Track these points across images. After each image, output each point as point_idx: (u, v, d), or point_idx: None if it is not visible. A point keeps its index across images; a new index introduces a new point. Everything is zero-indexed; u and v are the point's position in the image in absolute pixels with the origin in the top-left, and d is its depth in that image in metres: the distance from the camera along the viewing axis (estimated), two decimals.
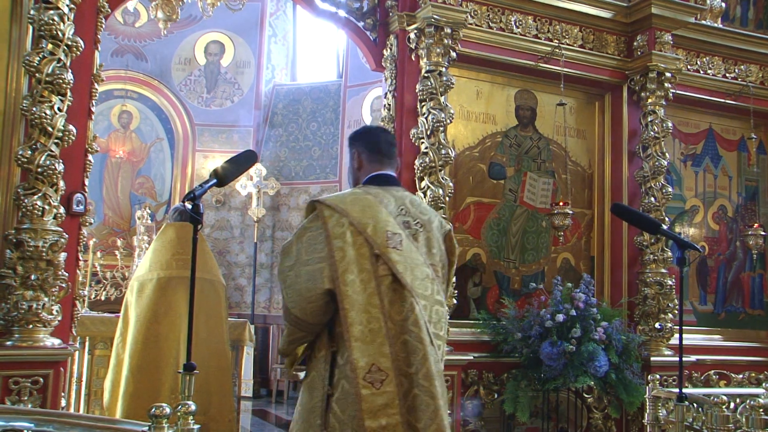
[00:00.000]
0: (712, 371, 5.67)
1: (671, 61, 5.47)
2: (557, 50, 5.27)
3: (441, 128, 4.68)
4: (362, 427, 2.32)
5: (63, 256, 3.53)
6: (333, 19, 5.14)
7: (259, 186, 9.80)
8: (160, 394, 3.78)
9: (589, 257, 5.65)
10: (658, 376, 4.07)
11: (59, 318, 3.53)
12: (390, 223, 2.50)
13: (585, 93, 5.72)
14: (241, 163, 2.60)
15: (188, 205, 2.34)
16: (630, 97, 5.63)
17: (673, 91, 5.56)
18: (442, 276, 2.64)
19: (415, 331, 2.41)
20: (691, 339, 5.54)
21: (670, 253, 5.36)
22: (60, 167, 3.49)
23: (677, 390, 3.14)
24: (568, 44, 5.40)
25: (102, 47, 4.14)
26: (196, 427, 1.90)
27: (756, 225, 5.74)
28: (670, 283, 5.30)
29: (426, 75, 4.74)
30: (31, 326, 3.40)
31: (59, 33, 3.49)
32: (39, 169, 3.41)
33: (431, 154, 4.65)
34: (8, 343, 3.38)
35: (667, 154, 5.47)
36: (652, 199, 5.36)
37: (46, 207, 3.44)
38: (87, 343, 5.01)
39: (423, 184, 4.68)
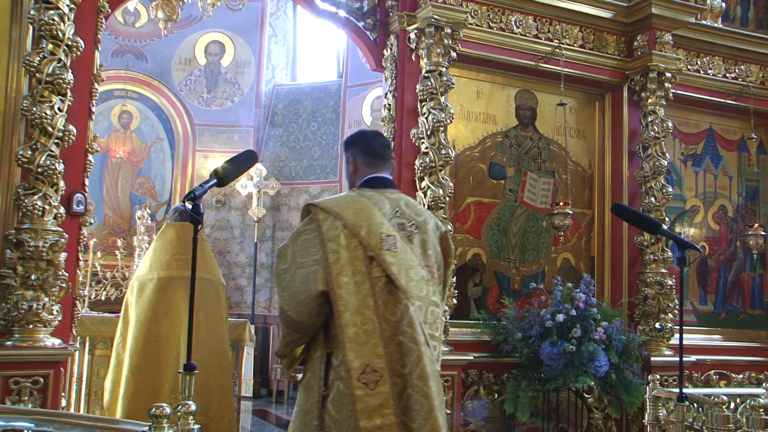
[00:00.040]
0: (713, 371, 5.67)
1: (671, 61, 5.47)
2: (557, 50, 5.27)
3: (441, 128, 4.68)
4: (357, 428, 2.34)
5: (63, 256, 3.53)
6: (333, 19, 5.14)
7: (259, 186, 9.80)
8: (161, 394, 3.78)
9: (590, 257, 5.65)
10: (658, 376, 4.07)
11: (59, 318, 3.53)
12: (384, 226, 2.52)
13: (585, 93, 5.72)
14: (242, 163, 2.61)
15: (188, 205, 2.35)
16: (630, 97, 5.63)
17: (674, 91, 5.55)
18: (437, 277, 2.65)
19: (410, 332, 2.43)
20: (691, 339, 5.54)
21: (670, 253, 5.36)
22: (60, 167, 3.49)
23: (677, 390, 3.15)
24: (568, 44, 5.40)
25: (102, 47, 4.14)
26: (197, 427, 1.90)
27: (756, 225, 5.74)
28: (670, 283, 5.30)
29: (426, 75, 4.74)
30: (31, 326, 3.40)
31: (59, 33, 3.49)
32: (39, 169, 3.41)
33: (431, 154, 4.64)
34: (8, 343, 3.38)
35: (667, 154, 5.46)
36: (653, 199, 5.36)
37: (47, 207, 3.44)
38: (87, 343, 5.01)
39: (423, 184, 4.68)
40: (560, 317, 4.62)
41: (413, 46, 4.85)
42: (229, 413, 4.14)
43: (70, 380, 4.59)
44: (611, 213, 5.35)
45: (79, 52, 3.63)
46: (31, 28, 3.61)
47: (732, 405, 3.41)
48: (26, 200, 3.41)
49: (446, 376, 4.57)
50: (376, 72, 5.27)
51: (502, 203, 5.36)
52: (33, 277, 3.40)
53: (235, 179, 2.65)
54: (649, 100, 5.46)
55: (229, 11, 8.59)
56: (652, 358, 5.16)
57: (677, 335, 3.09)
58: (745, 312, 6.17)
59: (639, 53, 5.53)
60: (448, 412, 4.53)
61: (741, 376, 5.79)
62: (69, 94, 3.55)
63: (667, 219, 5.47)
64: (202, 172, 9.99)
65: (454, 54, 4.80)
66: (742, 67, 6.08)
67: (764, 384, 4.69)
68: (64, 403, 3.88)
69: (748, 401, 3.38)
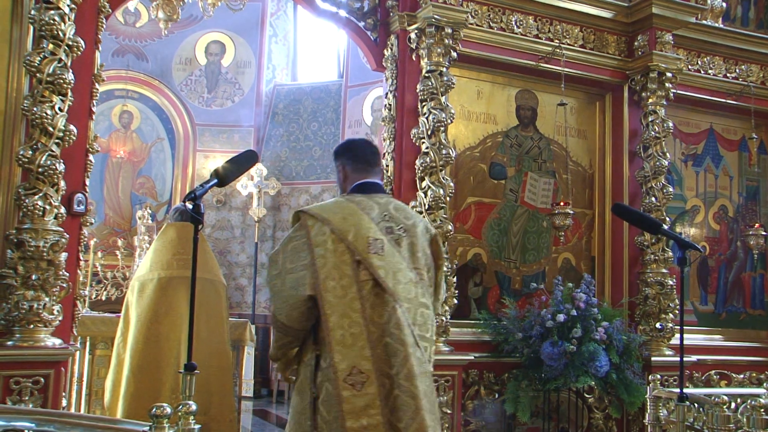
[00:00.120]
0: (713, 371, 5.67)
1: (672, 61, 5.47)
2: (558, 50, 5.27)
3: (442, 128, 4.67)
4: (344, 428, 2.39)
5: (64, 256, 3.53)
6: (334, 19, 5.14)
7: (259, 186, 9.80)
8: (161, 394, 3.78)
9: (590, 257, 5.65)
10: (659, 376, 4.07)
11: (60, 318, 3.53)
12: (372, 230, 2.57)
13: (586, 93, 5.72)
14: (242, 163, 2.62)
15: (189, 205, 2.36)
16: (631, 97, 5.63)
17: (674, 91, 5.55)
18: (428, 279, 2.69)
19: (397, 334, 2.47)
20: (691, 339, 5.54)
21: (670, 253, 5.36)
22: (61, 167, 3.49)
23: (678, 390, 3.14)
24: (568, 44, 5.40)
25: (103, 47, 4.15)
26: (197, 427, 1.91)
27: (757, 225, 5.74)
28: (670, 283, 5.30)
29: (427, 75, 4.74)
30: (32, 326, 3.40)
31: (60, 33, 3.49)
32: (40, 169, 3.42)
33: (432, 154, 4.64)
34: (9, 343, 3.39)
35: (667, 154, 5.46)
36: (653, 199, 5.36)
37: (47, 207, 3.44)
38: (88, 343, 5.01)
39: (424, 184, 4.68)
40: (561, 317, 4.61)
41: (414, 46, 4.85)
42: (230, 413, 4.14)
43: (71, 380, 4.59)
44: (612, 213, 5.35)
45: (79, 52, 3.63)
46: (31, 28, 3.61)
47: (733, 405, 3.41)
48: (27, 200, 3.41)
49: (447, 376, 4.57)
50: (376, 72, 5.27)
51: (502, 203, 5.36)
52: (34, 277, 3.40)
53: (235, 179, 2.66)
54: (650, 100, 5.46)
55: (229, 11, 8.59)
56: (653, 358, 5.15)
57: (678, 335, 3.09)
58: (745, 312, 6.17)
59: (639, 53, 5.52)
60: (449, 411, 4.53)
61: (742, 376, 5.79)
62: (69, 94, 3.56)
63: (667, 219, 5.46)
64: (203, 172, 9.99)
65: (454, 54, 4.80)
66: (743, 66, 6.08)
67: (765, 384, 4.69)
68: (64, 403, 3.89)
69: (749, 401, 3.38)
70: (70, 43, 3.55)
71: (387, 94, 5.03)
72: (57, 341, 3.51)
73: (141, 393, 3.82)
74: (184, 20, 9.25)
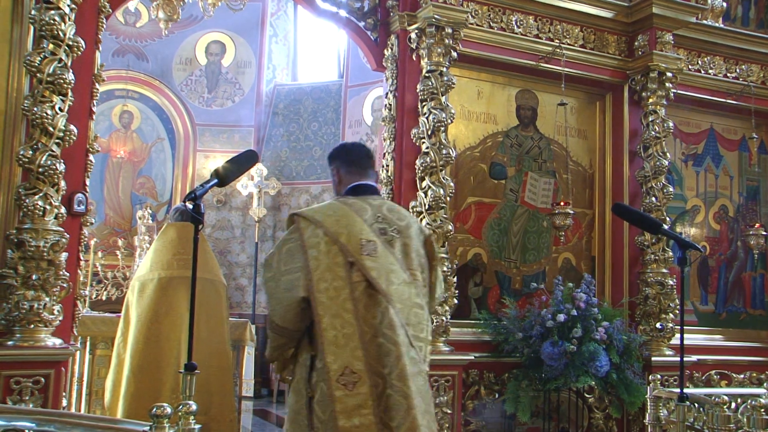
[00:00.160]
0: (714, 371, 5.67)
1: (672, 61, 5.47)
2: (558, 50, 5.27)
3: (442, 128, 4.67)
4: (336, 427, 2.42)
5: (64, 256, 3.53)
6: (334, 19, 5.14)
7: (260, 186, 9.80)
8: (161, 394, 3.78)
9: (590, 257, 5.65)
10: (659, 376, 4.07)
11: (60, 318, 3.53)
12: (365, 231, 2.60)
13: (586, 93, 5.72)
14: (242, 163, 2.63)
15: (189, 205, 2.36)
16: (631, 96, 5.63)
17: (674, 90, 5.55)
18: (422, 280, 2.71)
19: (389, 334, 2.50)
20: (692, 339, 5.54)
21: (671, 253, 5.35)
22: (61, 167, 3.50)
23: (678, 390, 3.14)
24: (569, 44, 5.40)
25: (103, 47, 4.15)
26: (197, 427, 1.91)
27: (757, 225, 5.74)
28: (671, 283, 5.30)
29: (427, 75, 4.74)
30: (32, 326, 3.41)
31: (60, 33, 3.49)
32: (40, 169, 3.42)
33: (432, 154, 4.64)
34: (9, 342, 3.39)
35: (668, 154, 5.46)
36: (653, 198, 5.36)
37: (47, 207, 3.44)
38: (88, 343, 5.01)
39: (424, 183, 4.68)
40: (561, 317, 4.61)
41: (414, 45, 4.85)
42: (230, 413, 4.14)
43: (71, 380, 4.59)
44: (612, 213, 5.35)
45: (79, 52, 3.64)
46: (32, 28, 3.61)
47: (733, 405, 3.41)
48: (27, 200, 3.42)
49: (447, 376, 4.57)
50: (376, 72, 5.27)
51: (502, 203, 5.36)
52: (34, 277, 3.41)
53: (235, 179, 2.67)
54: (650, 100, 5.46)
55: (229, 11, 8.58)
56: (653, 358, 5.15)
57: (678, 335, 3.09)
58: (746, 312, 6.17)
59: (640, 53, 5.52)
60: (449, 411, 4.53)
61: (742, 376, 5.79)
62: (70, 94, 3.56)
63: (667, 219, 5.46)
64: (203, 172, 9.99)
65: (454, 54, 4.80)
66: (743, 66, 6.08)
67: (765, 384, 4.69)
68: (65, 402, 3.89)
69: (749, 401, 3.38)
70: (71, 43, 3.55)
71: (387, 94, 5.03)
72: (57, 341, 3.51)
73: (141, 393, 3.82)
74: (184, 20, 9.25)
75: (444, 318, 4.57)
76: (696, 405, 3.47)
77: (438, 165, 4.64)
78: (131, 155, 9.95)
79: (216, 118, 10.31)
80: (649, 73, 5.42)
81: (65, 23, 3.52)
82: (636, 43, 5.56)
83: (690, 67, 5.87)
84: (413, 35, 4.83)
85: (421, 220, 4.62)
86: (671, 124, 5.53)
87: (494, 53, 5.17)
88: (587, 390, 5.03)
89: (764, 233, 5.70)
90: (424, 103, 4.74)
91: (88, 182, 3.98)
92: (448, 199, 4.69)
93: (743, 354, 5.88)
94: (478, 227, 5.27)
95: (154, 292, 3.97)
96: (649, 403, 3.96)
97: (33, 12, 3.54)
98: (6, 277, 3.41)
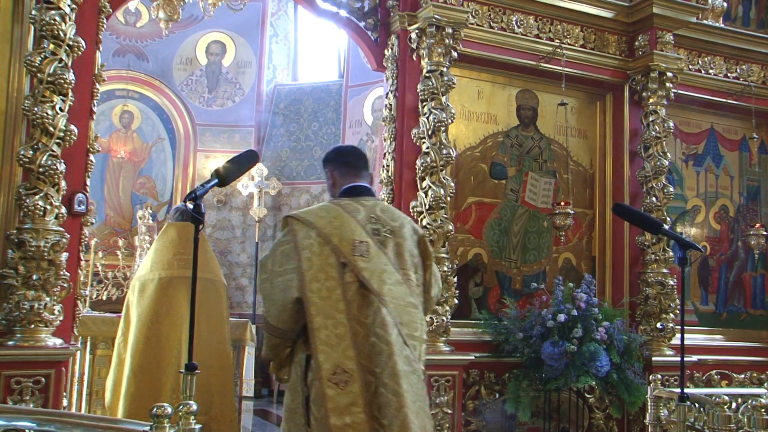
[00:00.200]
0: (714, 371, 5.67)
1: (673, 61, 5.47)
2: (558, 50, 5.27)
3: (442, 128, 4.68)
4: (328, 425, 2.45)
5: (64, 256, 3.53)
6: (334, 19, 5.14)
7: (260, 186, 9.79)
8: (162, 394, 3.78)
9: (591, 257, 5.65)
10: (659, 376, 4.07)
11: (61, 318, 3.53)
12: (357, 232, 2.64)
13: (586, 93, 5.72)
14: (243, 162, 2.64)
15: (190, 205, 2.37)
16: (631, 96, 5.63)
17: (675, 90, 5.55)
18: (415, 279, 2.74)
19: (381, 333, 2.54)
20: (692, 339, 5.54)
21: (671, 253, 5.35)
22: (61, 167, 3.50)
23: (679, 390, 3.15)
24: (569, 44, 5.39)
25: (103, 47, 4.15)
26: (198, 426, 1.91)
27: (758, 225, 5.74)
28: (671, 283, 5.29)
29: (427, 75, 4.74)
30: (32, 326, 3.41)
31: (61, 33, 3.49)
32: (40, 169, 3.42)
33: (432, 154, 4.64)
34: (10, 342, 3.39)
35: (668, 154, 5.46)
36: (654, 198, 5.36)
37: (48, 207, 3.44)
38: (88, 343, 5.01)
39: (424, 183, 4.68)
40: (561, 317, 4.61)
41: (414, 45, 4.85)
42: (231, 413, 4.14)
43: (72, 380, 4.59)
44: (612, 213, 5.34)
45: (80, 52, 3.64)
46: (32, 28, 3.61)
47: (733, 405, 3.42)
48: (28, 200, 3.42)
49: (447, 376, 4.57)
50: (377, 72, 5.27)
51: (503, 203, 5.36)
52: (34, 277, 3.41)
53: (236, 179, 2.69)
54: (651, 100, 5.46)
55: (230, 11, 8.58)
56: (654, 358, 5.15)
57: (678, 335, 3.09)
58: (746, 312, 6.16)
59: (640, 53, 5.52)
60: (449, 411, 4.53)
61: (742, 376, 5.79)
62: (70, 94, 3.56)
63: (668, 219, 5.46)
64: (204, 172, 9.99)
65: (455, 54, 4.80)
66: (744, 66, 6.08)
67: (766, 384, 4.69)
68: (65, 402, 3.89)
69: (750, 401, 3.38)
70: (71, 43, 3.55)
71: (387, 94, 5.03)
72: (58, 341, 3.51)
73: (142, 393, 3.82)
74: (184, 20, 9.24)
75: (444, 318, 4.57)
76: (696, 405, 3.47)
77: (438, 165, 4.64)
78: (132, 155, 9.95)
79: (216, 118, 10.31)
80: (649, 73, 5.42)
81: (66, 23, 3.52)
82: (636, 43, 5.56)
83: (690, 67, 5.87)
84: (413, 35, 4.83)
85: (422, 220, 4.62)
86: (672, 124, 5.53)
87: (495, 53, 5.17)
88: (588, 390, 5.03)
89: (765, 233, 5.70)
90: (424, 103, 4.74)
91: (88, 182, 3.98)
92: (448, 199, 4.69)
93: (744, 354, 5.88)
94: (478, 227, 5.27)
95: (155, 292, 3.97)
96: (649, 403, 3.96)
97: (33, 12, 3.54)
98: (6, 277, 3.41)
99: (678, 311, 5.21)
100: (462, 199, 5.21)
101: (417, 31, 4.79)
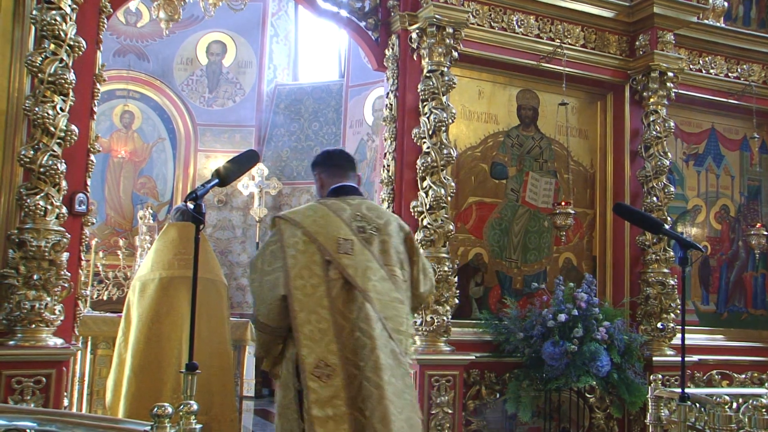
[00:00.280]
0: (715, 371, 5.66)
1: (673, 61, 5.47)
2: (559, 50, 5.27)
3: (443, 128, 4.67)
4: (310, 416, 2.53)
5: (65, 255, 3.54)
6: (335, 19, 5.14)
7: (261, 186, 9.79)
8: (162, 394, 3.78)
9: (591, 257, 5.65)
10: (660, 376, 4.08)
11: (62, 318, 3.54)
12: (342, 230, 2.71)
13: (587, 93, 5.72)
14: (243, 162, 2.66)
15: (190, 205, 2.38)
16: (632, 96, 5.62)
17: (676, 90, 5.55)
18: (401, 275, 2.81)
19: (365, 328, 2.61)
20: (693, 339, 5.53)
21: (672, 253, 5.35)
22: (62, 167, 3.50)
23: (680, 390, 3.14)
24: (570, 44, 5.39)
25: (104, 47, 4.15)
26: (198, 426, 1.91)
27: (758, 225, 5.74)
28: (672, 282, 5.29)
29: (428, 75, 4.74)
30: (33, 326, 3.41)
31: (61, 33, 3.49)
32: (41, 169, 3.42)
33: (433, 154, 4.64)
34: (11, 342, 3.39)
35: (669, 154, 5.46)
36: (655, 198, 5.36)
37: (49, 207, 3.45)
38: (89, 343, 5.01)
39: (425, 183, 4.68)
40: (562, 317, 4.61)
41: (415, 45, 4.85)
42: (231, 413, 4.14)
43: (72, 380, 4.59)
44: (613, 213, 5.35)
45: (80, 52, 3.64)
46: (33, 28, 3.61)
47: (734, 405, 3.41)
48: (28, 200, 3.42)
49: (448, 375, 4.57)
50: (377, 72, 5.27)
51: (503, 203, 5.36)
52: (35, 276, 3.41)
53: (236, 179, 2.72)
54: (651, 100, 5.46)
55: (230, 11, 8.59)
56: (654, 358, 5.15)
57: (679, 335, 3.09)
58: (747, 312, 6.16)
59: (641, 53, 5.52)
60: (450, 411, 4.52)
61: (743, 376, 5.78)
62: (71, 94, 3.56)
63: (669, 219, 5.46)
64: (204, 172, 9.99)
65: (455, 54, 4.80)
66: (744, 66, 6.08)
67: (767, 384, 4.69)
68: (66, 402, 3.89)
69: (751, 401, 3.38)
70: (72, 43, 3.55)
71: (388, 93, 5.03)
72: (59, 341, 3.52)
73: (142, 393, 3.82)
74: (185, 20, 9.24)
75: (445, 318, 4.57)
76: (697, 405, 3.47)
77: (439, 165, 4.64)
78: (132, 155, 9.96)
79: (217, 117, 10.31)
80: (650, 73, 5.42)
81: (66, 23, 3.52)
82: (637, 43, 5.56)
83: (691, 66, 5.86)
84: (414, 35, 4.83)
85: (422, 220, 4.62)
86: (672, 124, 5.53)
87: (495, 53, 5.17)
88: (588, 390, 5.03)
89: (765, 233, 5.69)
90: (425, 103, 4.74)
91: (89, 182, 3.98)
92: (449, 199, 4.69)
93: (744, 354, 5.88)
94: (479, 227, 5.27)
95: (155, 292, 3.97)
96: (650, 403, 3.96)
97: (34, 12, 3.54)
98: (7, 277, 3.41)
99: (679, 311, 5.21)
100: (462, 198, 5.21)
101: (417, 30, 4.79)
